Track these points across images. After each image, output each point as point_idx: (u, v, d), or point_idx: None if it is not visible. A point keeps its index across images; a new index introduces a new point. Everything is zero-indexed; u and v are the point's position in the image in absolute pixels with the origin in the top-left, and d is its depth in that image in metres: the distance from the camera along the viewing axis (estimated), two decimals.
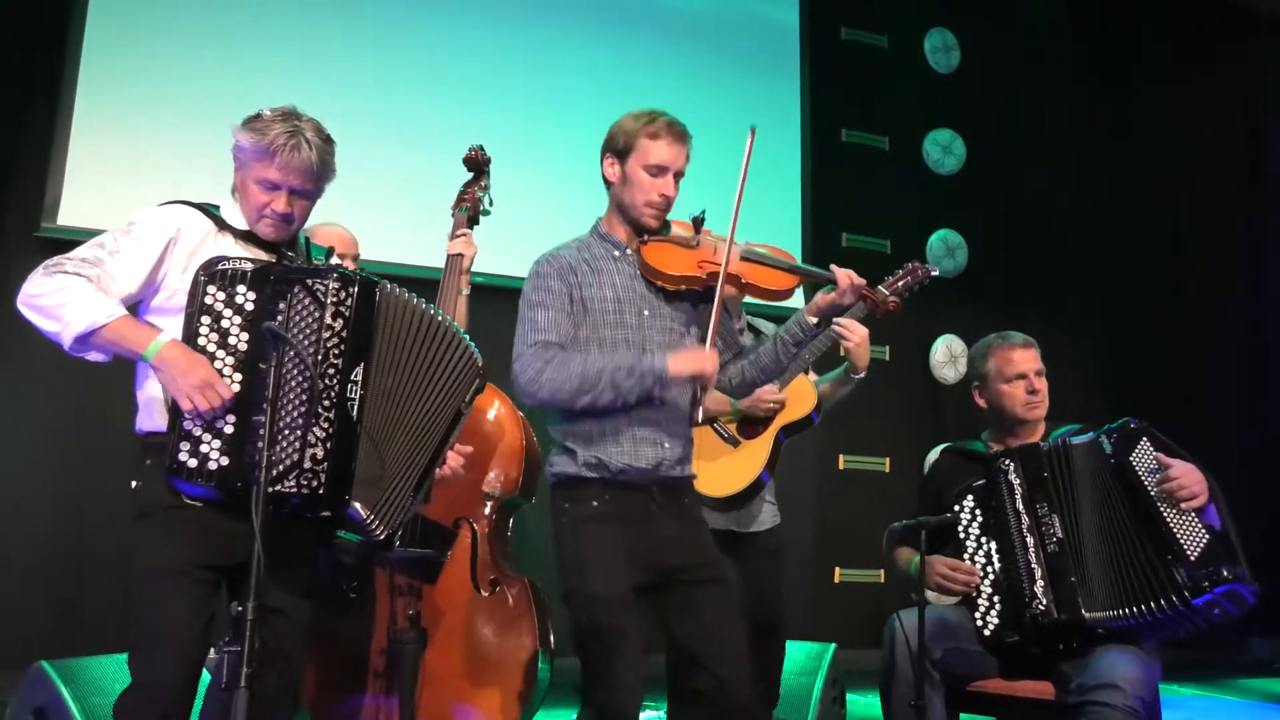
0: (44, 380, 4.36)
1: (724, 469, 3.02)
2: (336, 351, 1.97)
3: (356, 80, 5.13)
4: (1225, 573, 2.26)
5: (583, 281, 2.29)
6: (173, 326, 1.97)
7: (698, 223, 2.37)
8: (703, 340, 2.34)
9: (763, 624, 3.16)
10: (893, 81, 6.65)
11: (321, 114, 2.14)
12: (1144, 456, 2.44)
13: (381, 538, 2.04)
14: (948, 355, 6.51)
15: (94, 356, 1.96)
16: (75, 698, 2.80)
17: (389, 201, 4.91)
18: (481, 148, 3.05)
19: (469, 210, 2.98)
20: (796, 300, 2.70)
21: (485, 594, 2.68)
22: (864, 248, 6.42)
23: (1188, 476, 2.34)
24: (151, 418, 2.01)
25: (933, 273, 3.15)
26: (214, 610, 1.99)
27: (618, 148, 2.33)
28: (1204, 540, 2.31)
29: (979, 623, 2.51)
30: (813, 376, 3.24)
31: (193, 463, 1.88)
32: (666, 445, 2.29)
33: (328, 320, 1.96)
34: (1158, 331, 6.72)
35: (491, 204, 3.03)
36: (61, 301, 1.90)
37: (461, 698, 2.65)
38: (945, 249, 6.61)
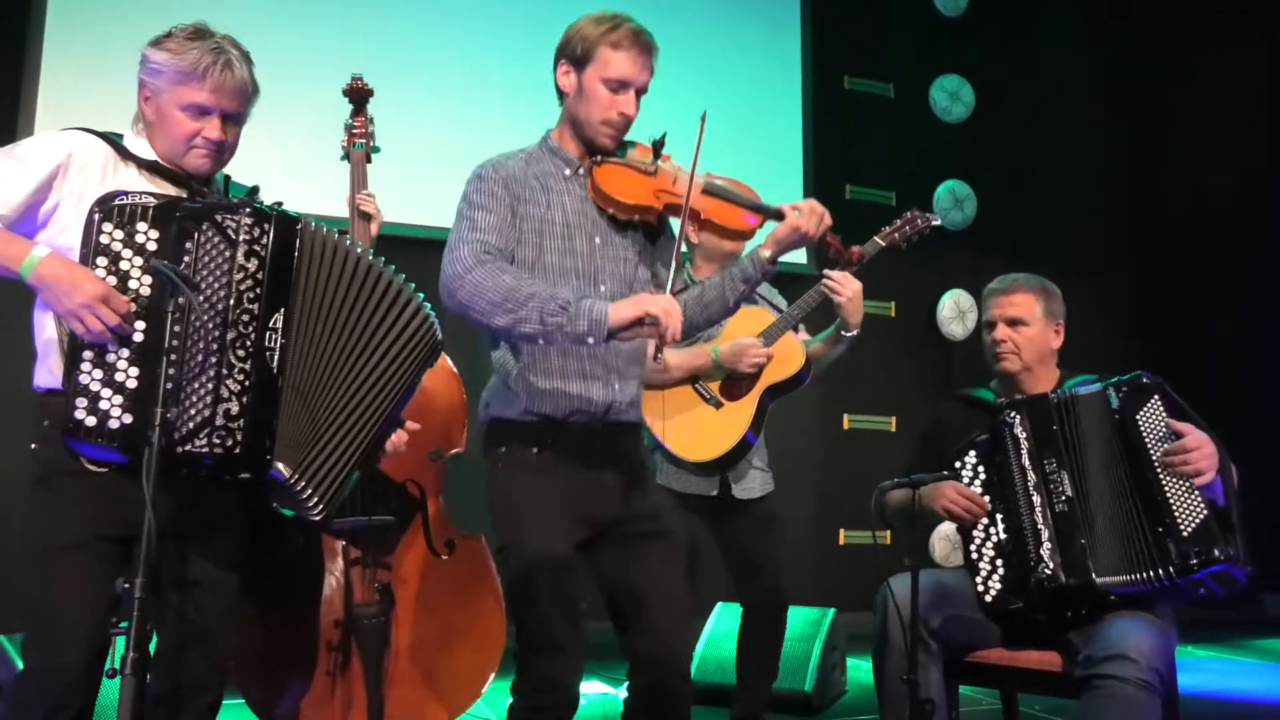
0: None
1: (706, 431, 2.84)
2: (251, 295, 1.76)
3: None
4: (1216, 553, 2.10)
5: (529, 198, 2.03)
6: None
7: (657, 146, 2.12)
8: (660, 285, 2.10)
9: (762, 596, 3.00)
10: (897, 26, 6.37)
11: None
12: (1152, 416, 2.25)
13: (316, 514, 1.83)
14: (955, 310, 6.29)
15: None
16: None
17: (265, 143, 4.51)
18: (361, 77, 2.82)
19: (364, 146, 2.77)
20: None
21: (444, 556, 2.53)
22: (868, 200, 6.18)
23: (1199, 450, 2.16)
24: (49, 370, 1.80)
25: (934, 221, 2.95)
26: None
27: (574, 54, 2.05)
28: (1201, 515, 2.15)
29: (980, 588, 2.33)
30: (804, 336, 3.05)
31: (91, 421, 1.67)
32: (618, 386, 2.07)
33: (240, 260, 1.75)
34: (1182, 285, 6.46)
35: (377, 141, 2.81)
36: None
37: (430, 668, 2.50)
38: (953, 200, 6.36)
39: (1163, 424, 2.23)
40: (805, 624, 3.67)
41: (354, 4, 5.00)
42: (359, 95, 2.84)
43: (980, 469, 2.41)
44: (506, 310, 1.85)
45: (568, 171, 2.11)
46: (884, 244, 2.90)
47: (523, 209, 2.02)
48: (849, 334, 2.87)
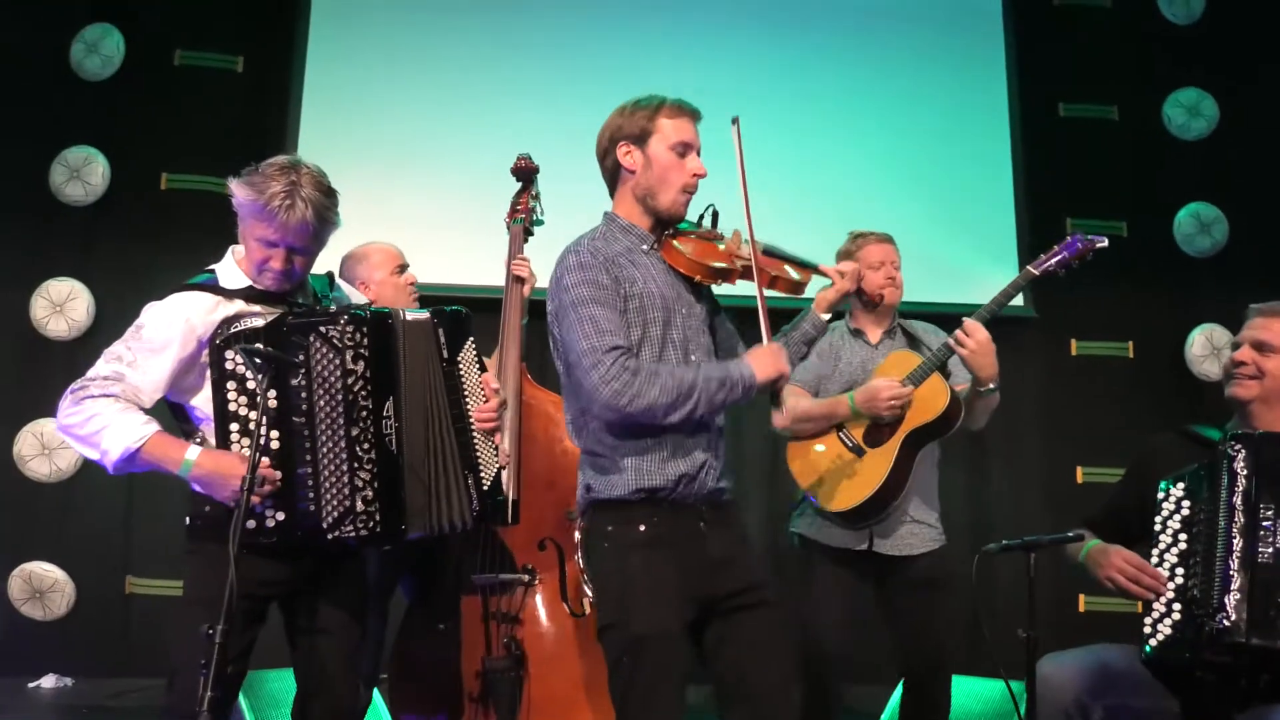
0: None
1: (847, 480, 2.72)
2: (365, 393, 2.03)
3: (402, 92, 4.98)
4: None
5: (628, 276, 2.11)
6: None
7: (714, 219, 2.25)
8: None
9: (919, 667, 2.80)
10: (1116, 42, 5.88)
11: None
12: None
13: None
14: (1208, 347, 5.60)
15: (144, 470, 2.07)
16: (252, 709, 2.96)
17: (436, 221, 4.73)
18: (529, 156, 2.99)
19: (524, 221, 2.93)
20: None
21: (580, 615, 2.55)
22: (1093, 233, 5.67)
23: None
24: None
25: (1099, 244, 2.69)
26: (254, 637, 2.09)
27: (632, 134, 2.16)
28: None
29: (1146, 630, 2.06)
30: (964, 386, 2.84)
31: (252, 524, 1.98)
32: (711, 454, 2.14)
33: (349, 365, 2.03)
34: None
35: (543, 214, 2.97)
36: (96, 429, 2.01)
37: None
38: (1198, 225, 5.73)
39: None
40: (1004, 699, 3.34)
41: (522, 83, 5.20)
42: (525, 174, 3.05)
43: (1184, 502, 2.17)
44: (678, 407, 2.01)
45: (645, 246, 2.19)
46: (1037, 273, 2.67)
47: (626, 288, 2.09)
48: (984, 389, 2.65)
